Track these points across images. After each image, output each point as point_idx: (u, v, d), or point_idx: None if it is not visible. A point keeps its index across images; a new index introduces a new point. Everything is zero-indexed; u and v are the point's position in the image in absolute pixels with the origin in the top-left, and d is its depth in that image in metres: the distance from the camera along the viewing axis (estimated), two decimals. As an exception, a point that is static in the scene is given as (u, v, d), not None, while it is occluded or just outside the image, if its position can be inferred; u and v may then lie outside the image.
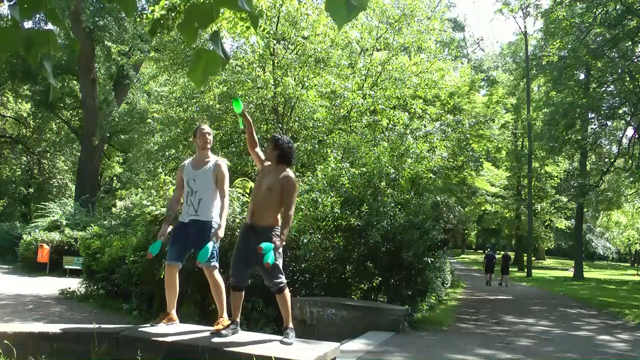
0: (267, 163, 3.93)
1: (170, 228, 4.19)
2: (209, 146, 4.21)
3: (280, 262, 3.69)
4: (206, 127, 4.32)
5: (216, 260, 4.02)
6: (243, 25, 8.04)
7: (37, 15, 1.72)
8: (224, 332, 3.56)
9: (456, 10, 70.10)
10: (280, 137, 3.94)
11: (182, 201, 4.31)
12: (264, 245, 3.45)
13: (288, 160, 3.88)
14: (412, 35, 14.15)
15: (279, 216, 3.78)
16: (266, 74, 11.82)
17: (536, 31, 28.09)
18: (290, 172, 3.81)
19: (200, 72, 1.69)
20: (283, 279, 3.71)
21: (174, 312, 4.19)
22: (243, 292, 3.80)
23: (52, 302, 9.93)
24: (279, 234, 3.67)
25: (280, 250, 3.69)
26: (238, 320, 3.76)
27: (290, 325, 3.68)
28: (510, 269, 20.56)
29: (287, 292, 3.74)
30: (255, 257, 3.62)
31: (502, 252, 22.22)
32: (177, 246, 4.05)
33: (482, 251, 50.86)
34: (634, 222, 41.45)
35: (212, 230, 4.01)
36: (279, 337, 3.71)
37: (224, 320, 3.92)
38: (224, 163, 4.24)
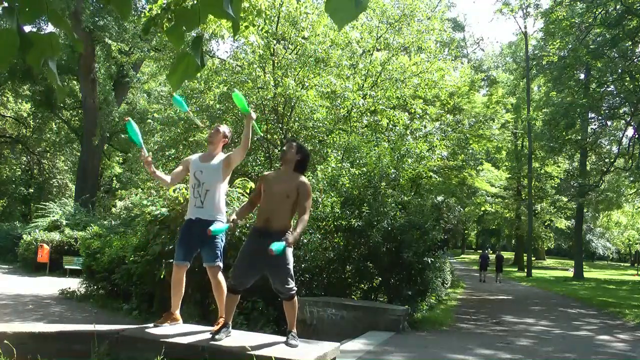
0: (268, 172, 3.99)
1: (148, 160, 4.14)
2: (222, 143, 4.26)
3: (291, 268, 3.68)
4: (220, 126, 4.37)
5: (220, 260, 4.02)
6: (242, 24, 8.04)
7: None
8: (217, 335, 3.55)
9: (456, 10, 69.95)
10: (302, 144, 3.95)
11: (168, 181, 4.35)
12: (274, 246, 3.37)
13: (304, 169, 3.92)
14: (412, 35, 14.14)
15: (292, 221, 3.81)
16: (266, 74, 11.82)
17: (536, 31, 28.18)
18: (305, 178, 3.84)
19: (179, 75, 1.70)
20: (294, 285, 3.67)
21: (177, 312, 4.20)
22: (239, 296, 3.78)
23: (52, 302, 9.93)
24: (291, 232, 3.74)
25: (292, 256, 3.69)
26: (230, 322, 3.74)
27: (294, 329, 3.68)
28: (510, 269, 21.26)
29: (296, 299, 3.71)
30: (266, 262, 3.61)
31: (494, 253, 23.35)
32: (184, 246, 4.05)
33: (482, 251, 50.88)
34: (634, 222, 41.49)
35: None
36: (281, 338, 3.71)
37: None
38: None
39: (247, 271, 3.70)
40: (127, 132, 4.15)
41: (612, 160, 22.11)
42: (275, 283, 3.66)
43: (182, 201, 7.31)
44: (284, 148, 3.87)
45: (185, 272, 4.11)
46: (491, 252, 28.28)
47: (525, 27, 29.91)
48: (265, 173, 4.00)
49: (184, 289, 4.18)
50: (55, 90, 24.81)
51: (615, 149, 23.55)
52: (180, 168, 4.34)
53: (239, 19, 1.78)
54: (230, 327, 3.72)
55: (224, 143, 4.31)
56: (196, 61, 1.69)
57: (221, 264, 4.03)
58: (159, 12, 5.72)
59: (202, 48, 1.73)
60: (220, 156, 4.20)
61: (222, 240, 4.05)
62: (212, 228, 3.69)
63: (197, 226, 4.00)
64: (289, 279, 3.63)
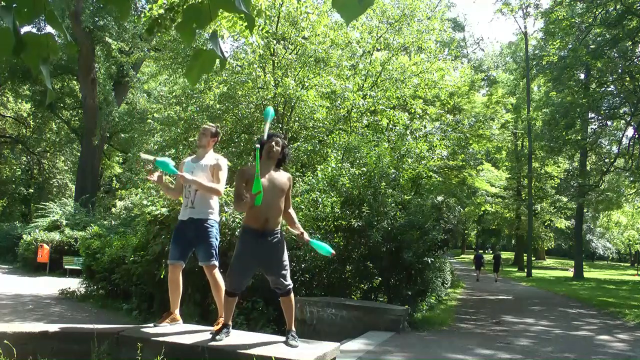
0: (248, 168, 3.79)
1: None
2: (211, 144, 4.30)
3: (288, 264, 3.69)
4: (207, 125, 4.41)
5: (216, 259, 4.03)
6: (242, 24, 8.03)
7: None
8: (218, 336, 3.55)
9: (456, 10, 69.83)
10: (285, 143, 3.89)
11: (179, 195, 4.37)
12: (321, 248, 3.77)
13: (280, 165, 3.88)
14: (412, 35, 14.15)
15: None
16: (266, 74, 11.82)
17: (536, 31, 28.14)
18: (283, 171, 3.83)
19: (197, 71, 1.71)
20: (290, 281, 3.70)
21: (177, 312, 4.20)
22: (237, 297, 3.77)
23: (52, 302, 9.93)
24: (297, 234, 3.77)
25: (286, 251, 3.72)
26: (230, 323, 3.74)
27: (294, 328, 3.68)
28: (510, 269, 21.54)
29: (292, 295, 3.73)
30: (265, 261, 3.64)
31: (492, 253, 24.34)
32: (178, 245, 4.06)
33: (482, 251, 51.01)
34: (634, 222, 41.47)
35: (210, 229, 4.03)
36: (281, 338, 3.71)
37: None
38: (224, 160, 4.27)
39: (247, 274, 3.72)
40: (160, 166, 4.10)
41: (612, 160, 22.10)
42: (274, 280, 3.67)
43: (182, 201, 7.30)
44: (272, 143, 3.71)
45: (180, 271, 4.12)
46: (491, 252, 29.07)
47: (525, 27, 29.93)
48: (245, 168, 3.79)
49: (181, 288, 4.19)
50: (55, 91, 24.86)
51: (615, 149, 23.56)
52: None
53: (251, 16, 1.79)
54: (230, 328, 3.72)
55: (214, 142, 4.35)
56: (219, 55, 1.73)
57: (217, 262, 4.04)
58: (162, 12, 5.72)
59: (219, 42, 1.76)
60: (210, 156, 4.22)
61: (216, 239, 4.07)
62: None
63: (190, 226, 4.02)
64: (287, 275, 3.67)
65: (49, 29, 20.71)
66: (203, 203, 4.07)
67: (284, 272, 3.64)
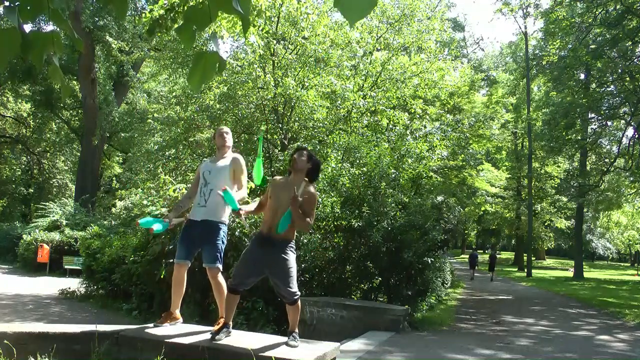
0: (278, 177, 3.87)
1: (176, 220, 4.17)
2: (228, 144, 4.27)
3: (294, 274, 3.65)
4: (224, 128, 4.40)
5: (220, 262, 4.01)
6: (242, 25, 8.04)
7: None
8: (217, 336, 3.55)
9: (456, 10, 69.94)
10: (312, 152, 3.87)
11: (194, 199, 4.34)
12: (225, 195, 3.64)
13: (316, 177, 3.87)
14: (412, 35, 14.15)
15: (295, 231, 3.77)
16: (266, 74, 11.82)
17: (536, 31, 28.15)
18: (313, 188, 3.75)
19: (199, 76, 1.69)
20: (297, 290, 3.65)
21: (177, 312, 4.19)
22: (239, 296, 3.76)
23: (52, 302, 9.92)
24: (294, 249, 3.70)
25: (295, 261, 3.67)
26: (231, 322, 3.73)
27: (296, 330, 3.68)
28: (510, 269, 21.68)
29: (299, 303, 3.70)
30: (269, 268, 3.62)
31: (488, 252, 25.21)
32: (186, 245, 4.04)
33: (482, 251, 51.13)
34: (634, 222, 41.48)
35: (218, 231, 4.01)
36: (280, 338, 3.71)
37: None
38: (241, 158, 4.25)
39: (248, 275, 3.70)
40: (145, 225, 4.24)
41: (612, 160, 22.10)
42: (280, 288, 3.64)
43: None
44: (294, 156, 3.76)
45: (186, 271, 4.10)
46: (490, 252, 29.67)
47: (525, 27, 29.93)
48: (275, 177, 3.93)
49: (184, 289, 4.18)
50: (55, 90, 24.85)
51: (615, 149, 23.56)
52: (196, 174, 4.35)
53: (248, 16, 1.76)
54: (231, 327, 3.72)
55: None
56: (218, 58, 1.68)
57: (221, 266, 4.02)
58: (163, 12, 5.71)
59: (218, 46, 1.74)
60: (229, 156, 4.22)
61: (223, 242, 4.04)
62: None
63: (199, 226, 3.99)
64: (293, 285, 3.61)
65: (49, 28, 20.69)
66: (216, 203, 4.02)
67: (288, 283, 3.58)
